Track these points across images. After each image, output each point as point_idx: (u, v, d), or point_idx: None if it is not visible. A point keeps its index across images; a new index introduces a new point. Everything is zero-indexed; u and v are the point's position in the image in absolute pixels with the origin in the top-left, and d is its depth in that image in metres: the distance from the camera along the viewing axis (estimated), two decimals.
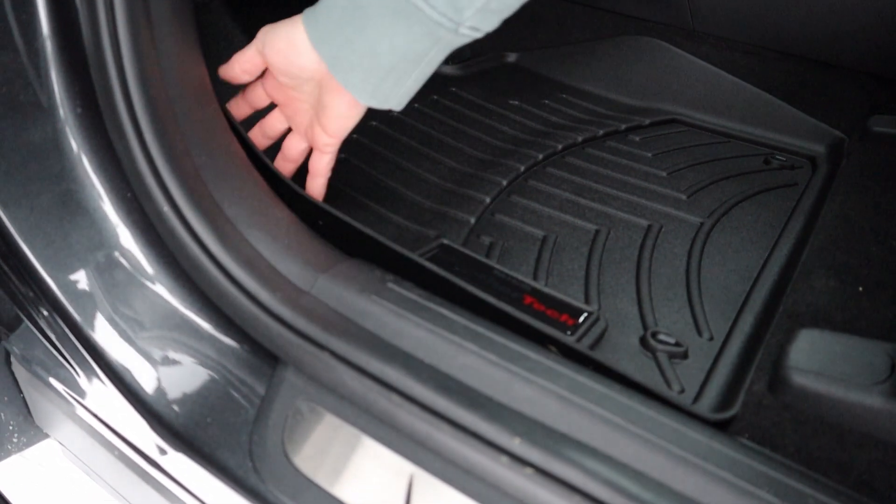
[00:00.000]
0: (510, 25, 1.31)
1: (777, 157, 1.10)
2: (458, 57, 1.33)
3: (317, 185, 0.76)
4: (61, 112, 0.59)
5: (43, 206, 0.59)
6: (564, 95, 1.26)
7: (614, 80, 1.29)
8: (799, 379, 0.54)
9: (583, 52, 1.32)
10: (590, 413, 0.48)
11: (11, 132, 0.58)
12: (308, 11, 0.62)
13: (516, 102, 1.20)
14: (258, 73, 0.70)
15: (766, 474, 0.46)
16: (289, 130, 0.76)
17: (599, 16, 1.34)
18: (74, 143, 0.60)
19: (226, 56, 0.73)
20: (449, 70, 1.30)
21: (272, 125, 0.75)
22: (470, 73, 1.31)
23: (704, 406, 0.61)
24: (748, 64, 1.23)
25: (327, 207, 0.69)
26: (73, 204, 0.60)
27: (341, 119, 0.67)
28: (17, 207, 0.58)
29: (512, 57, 1.38)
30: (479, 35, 0.57)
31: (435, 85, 1.24)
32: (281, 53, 0.64)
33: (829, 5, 1.15)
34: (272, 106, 0.75)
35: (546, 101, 1.22)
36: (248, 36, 0.99)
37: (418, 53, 0.59)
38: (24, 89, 0.58)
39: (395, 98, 0.64)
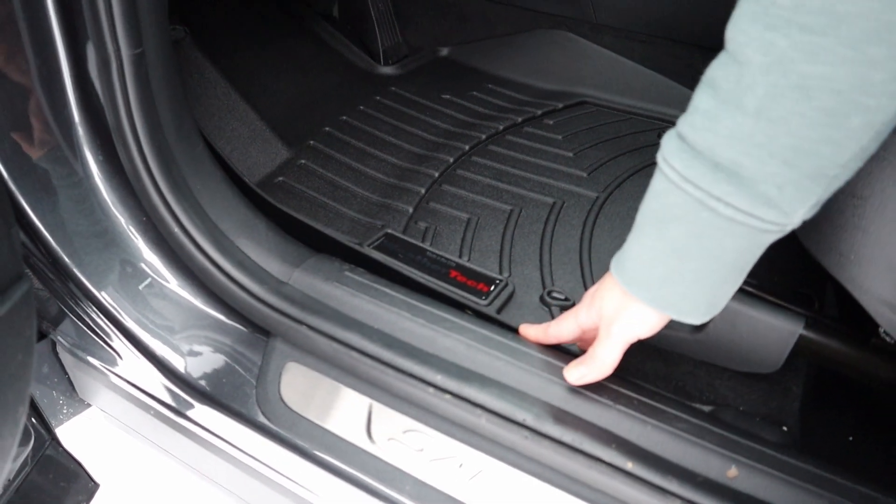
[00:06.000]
0: (443, 23, 1.58)
1: (669, 130, 1.33)
2: (396, 56, 1.52)
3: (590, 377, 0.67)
4: (89, 161, 0.79)
5: (82, 233, 0.79)
6: (490, 85, 1.47)
7: (532, 69, 1.50)
8: None
9: (505, 44, 1.53)
10: (488, 355, 0.71)
11: (55, 180, 0.78)
12: (617, 272, 0.60)
13: (448, 96, 1.40)
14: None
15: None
16: None
17: (517, 12, 1.54)
18: (101, 184, 0.80)
19: (199, 88, 0.92)
20: (389, 70, 1.49)
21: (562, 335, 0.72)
22: (407, 71, 1.51)
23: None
24: (643, 50, 1.44)
25: (295, 213, 0.90)
26: (102, 230, 0.80)
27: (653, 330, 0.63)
28: (64, 238, 0.78)
29: (444, 51, 1.57)
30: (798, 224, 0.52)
31: (377, 86, 1.44)
32: (612, 321, 0.63)
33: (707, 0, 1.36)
34: None
35: (474, 93, 1.43)
36: (218, 68, 1.18)
37: (747, 261, 0.54)
38: (57, 149, 0.78)
39: (723, 303, 0.59)
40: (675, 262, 0.55)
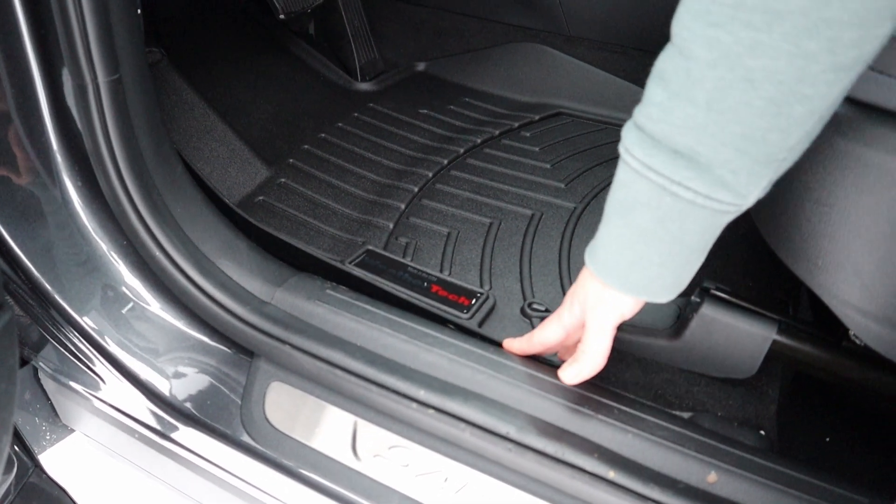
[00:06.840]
0: (419, 39, 1.58)
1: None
2: (372, 72, 1.54)
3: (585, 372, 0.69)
4: (68, 187, 0.79)
5: (63, 259, 0.79)
6: (467, 98, 1.48)
7: (508, 81, 1.52)
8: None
9: (480, 58, 1.55)
10: (470, 368, 0.72)
11: (34, 207, 0.78)
12: (590, 261, 0.64)
13: (426, 111, 1.42)
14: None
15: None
16: None
17: (492, 26, 1.55)
18: (80, 209, 0.80)
19: (176, 110, 0.92)
20: (366, 87, 1.50)
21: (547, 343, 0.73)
22: (385, 86, 1.52)
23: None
24: (616, 61, 1.46)
25: (276, 233, 0.90)
26: (83, 255, 0.80)
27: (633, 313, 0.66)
28: (45, 264, 0.78)
29: (421, 66, 1.59)
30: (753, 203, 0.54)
31: (354, 102, 1.45)
32: (594, 309, 0.65)
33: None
34: None
35: (451, 107, 1.44)
36: (196, 89, 1.19)
37: (707, 242, 0.57)
38: (37, 176, 0.78)
39: (686, 283, 0.61)
40: (642, 247, 0.58)
